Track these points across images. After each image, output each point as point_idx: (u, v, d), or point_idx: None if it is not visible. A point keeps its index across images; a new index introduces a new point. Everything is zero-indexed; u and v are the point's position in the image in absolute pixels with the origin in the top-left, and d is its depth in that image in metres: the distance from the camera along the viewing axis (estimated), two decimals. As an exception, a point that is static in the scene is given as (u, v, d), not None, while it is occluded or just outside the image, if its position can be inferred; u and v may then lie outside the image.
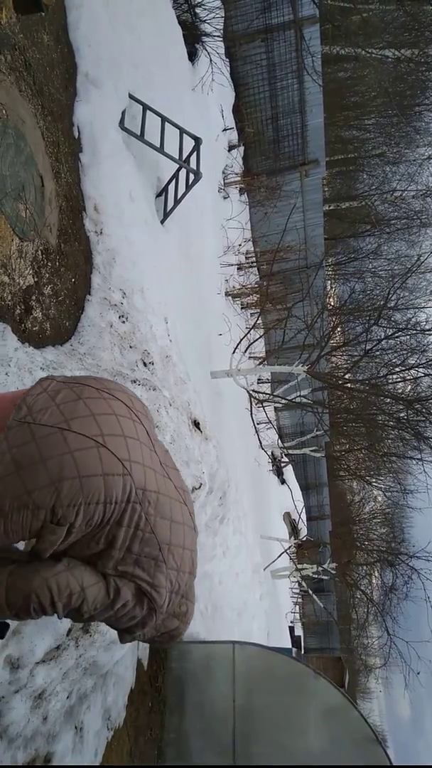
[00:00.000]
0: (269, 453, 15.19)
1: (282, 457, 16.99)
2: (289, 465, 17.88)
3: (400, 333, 10.13)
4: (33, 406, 1.62)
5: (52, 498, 1.47)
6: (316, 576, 15.40)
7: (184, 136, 6.15)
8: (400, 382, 10.40)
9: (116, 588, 1.60)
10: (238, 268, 11.95)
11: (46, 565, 1.57)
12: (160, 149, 5.71)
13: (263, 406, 10.36)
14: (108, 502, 1.54)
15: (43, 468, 1.48)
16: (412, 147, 18.77)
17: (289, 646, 13.36)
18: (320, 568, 14.80)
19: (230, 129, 11.86)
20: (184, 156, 6.02)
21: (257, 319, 10.61)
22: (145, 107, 5.75)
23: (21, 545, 1.89)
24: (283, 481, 16.80)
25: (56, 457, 1.49)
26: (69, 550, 1.61)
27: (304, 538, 17.21)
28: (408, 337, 10.73)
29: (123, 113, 5.53)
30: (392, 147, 18.77)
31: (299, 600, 19.24)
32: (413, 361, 10.23)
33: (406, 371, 9.85)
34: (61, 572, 1.55)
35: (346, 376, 11.31)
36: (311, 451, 15.15)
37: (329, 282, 18.32)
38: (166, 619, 1.76)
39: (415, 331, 10.35)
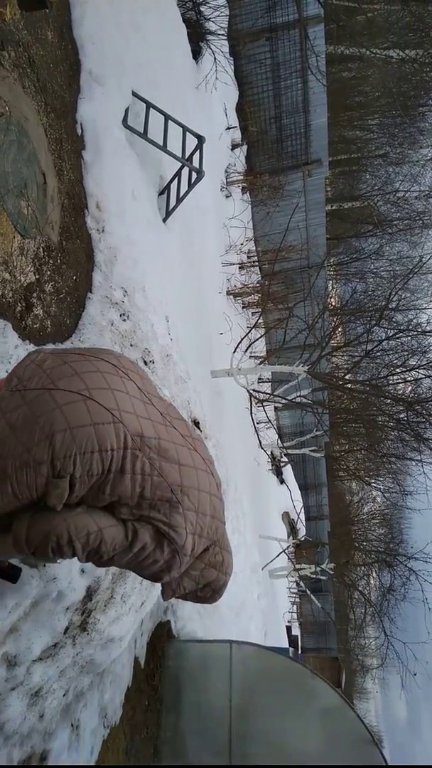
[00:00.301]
0: (269, 452, 15.20)
1: (281, 457, 16.99)
2: (289, 465, 17.88)
3: (401, 334, 10.12)
4: (22, 375, 1.70)
5: (49, 451, 1.54)
6: (314, 576, 15.41)
7: (187, 134, 6.14)
8: (400, 383, 10.38)
9: (134, 530, 1.65)
10: (239, 268, 11.94)
11: (66, 509, 1.64)
12: (163, 147, 5.70)
13: (263, 406, 10.35)
14: (103, 450, 1.59)
15: (36, 426, 1.57)
16: (415, 148, 18.75)
17: (287, 645, 13.38)
18: (318, 569, 14.82)
19: (233, 128, 11.84)
20: (187, 154, 6.01)
21: (258, 319, 10.58)
22: (149, 105, 5.74)
23: None
24: (282, 481, 16.80)
25: (46, 413, 1.57)
26: (82, 503, 1.66)
27: (303, 538, 17.20)
28: (409, 338, 10.73)
29: (126, 111, 5.52)
30: (395, 147, 18.75)
31: (297, 600, 19.25)
32: (414, 363, 10.22)
33: (407, 372, 9.84)
34: (79, 513, 1.62)
35: (347, 377, 11.31)
36: (311, 451, 15.16)
37: (331, 282, 18.32)
38: (204, 569, 1.80)
39: (416, 333, 10.35)
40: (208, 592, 1.87)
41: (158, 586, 4.36)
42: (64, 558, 1.66)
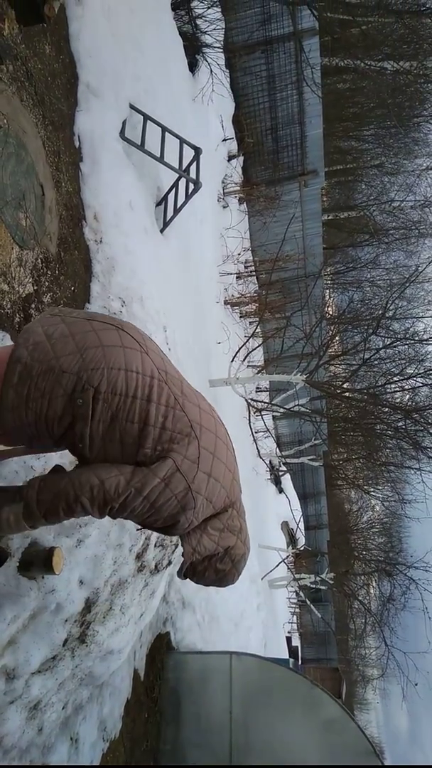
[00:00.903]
0: (267, 462, 15.17)
1: (280, 466, 16.96)
2: (287, 474, 17.85)
3: (398, 342, 10.16)
4: (62, 310, 1.90)
5: (77, 363, 1.66)
6: (313, 586, 15.34)
7: (184, 146, 6.19)
8: (398, 391, 10.40)
9: (146, 473, 1.68)
10: (237, 277, 11.99)
11: (72, 470, 1.74)
12: (160, 159, 5.74)
13: (261, 415, 10.35)
14: (129, 370, 1.70)
15: (71, 340, 1.70)
16: (410, 158, 18.89)
17: (287, 656, 13.30)
18: (318, 578, 14.76)
19: (230, 139, 11.93)
20: (184, 166, 6.05)
21: (256, 328, 10.62)
22: (146, 117, 5.78)
23: None
24: (281, 490, 16.77)
25: (81, 333, 1.73)
26: (109, 446, 1.70)
27: (302, 548, 17.14)
28: (406, 346, 10.76)
29: (123, 123, 5.57)
30: (391, 158, 18.89)
31: (297, 610, 19.16)
32: (411, 371, 10.25)
33: (405, 381, 9.87)
34: (83, 472, 1.70)
35: (345, 386, 11.32)
36: (309, 460, 15.14)
37: (328, 291, 18.37)
38: (223, 532, 1.78)
39: (413, 341, 10.39)
40: (227, 563, 1.81)
41: (157, 595, 4.33)
42: (75, 517, 1.72)
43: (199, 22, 9.73)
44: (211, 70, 9.41)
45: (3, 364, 1.72)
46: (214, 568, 1.81)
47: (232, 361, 8.02)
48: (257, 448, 10.43)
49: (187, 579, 1.87)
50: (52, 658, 2.92)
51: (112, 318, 1.88)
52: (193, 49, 9.61)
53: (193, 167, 6.11)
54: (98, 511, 1.68)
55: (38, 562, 2.47)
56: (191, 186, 6.04)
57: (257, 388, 13.55)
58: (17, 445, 2.03)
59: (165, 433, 1.72)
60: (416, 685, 13.91)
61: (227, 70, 11.43)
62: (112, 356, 1.70)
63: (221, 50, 10.52)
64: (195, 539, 1.76)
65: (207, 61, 9.57)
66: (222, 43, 10.53)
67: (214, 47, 10.00)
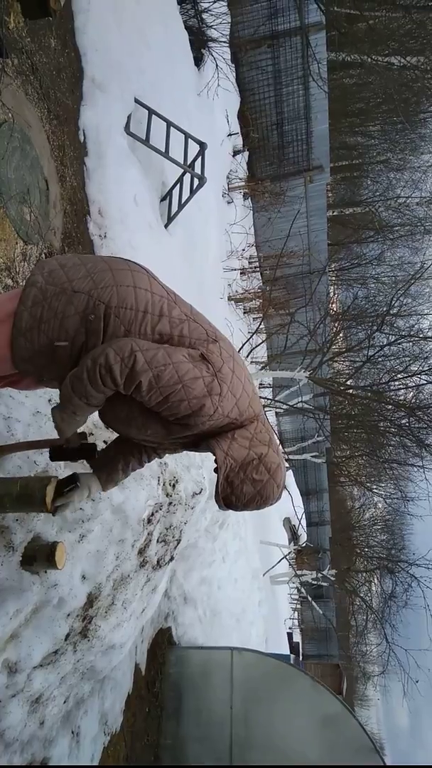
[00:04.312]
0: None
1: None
2: (290, 470, 17.86)
3: (402, 340, 10.13)
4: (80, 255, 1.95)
5: (88, 284, 1.73)
6: (315, 582, 15.36)
7: (189, 140, 6.17)
8: (402, 389, 10.38)
9: (176, 349, 1.69)
10: (241, 273, 11.97)
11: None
12: (165, 154, 5.73)
13: (264, 412, 10.34)
14: (139, 287, 1.75)
15: (82, 267, 1.79)
16: (416, 154, 18.81)
17: (288, 652, 13.33)
18: (319, 575, 14.77)
19: (235, 134, 11.89)
20: (189, 161, 6.04)
21: (260, 324, 10.61)
22: (151, 112, 5.77)
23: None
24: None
25: (93, 262, 1.82)
26: None
27: (304, 544, 17.17)
28: (411, 344, 10.73)
29: (129, 118, 5.55)
30: (397, 154, 18.80)
31: (298, 606, 19.20)
32: (416, 368, 10.22)
33: (409, 378, 9.84)
34: (119, 339, 1.71)
35: (348, 383, 11.30)
36: (312, 456, 15.14)
37: (332, 288, 18.33)
38: (253, 440, 1.73)
39: (417, 338, 10.36)
40: (263, 472, 1.70)
41: (159, 590, 4.34)
42: (106, 390, 1.67)
43: (205, 16, 9.68)
44: (217, 65, 9.37)
45: (15, 299, 1.79)
46: (251, 479, 1.70)
47: (236, 357, 7.99)
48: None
49: (228, 509, 1.77)
50: (54, 653, 2.93)
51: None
52: (199, 43, 9.57)
53: (198, 162, 6.09)
54: (124, 381, 1.63)
55: (41, 557, 2.47)
56: (196, 181, 6.02)
57: (261, 384, 13.54)
58: (28, 378, 2.01)
59: (183, 340, 1.73)
60: (417, 682, 13.94)
61: (233, 65, 11.38)
62: (121, 276, 1.77)
63: (227, 44, 10.46)
64: (226, 444, 1.71)
65: (213, 55, 9.53)
66: (228, 37, 10.47)
67: (220, 41, 9.95)
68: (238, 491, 1.71)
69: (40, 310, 1.74)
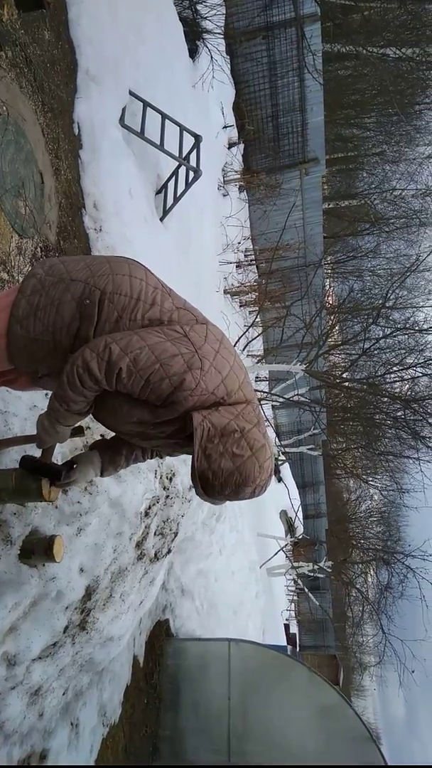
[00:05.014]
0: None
1: (279, 455, 17.01)
2: (286, 463, 17.90)
3: (398, 332, 10.15)
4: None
5: (86, 273, 1.78)
6: (312, 574, 15.44)
7: (184, 133, 6.15)
8: (397, 381, 10.41)
9: (150, 330, 1.72)
10: (237, 266, 11.95)
11: None
12: (160, 146, 5.70)
13: (261, 404, 10.36)
14: (134, 277, 1.79)
15: (82, 261, 1.85)
16: (412, 146, 18.76)
17: (285, 643, 13.41)
18: (316, 566, 14.85)
19: (230, 126, 11.84)
20: (184, 153, 6.02)
21: (256, 317, 10.61)
22: (146, 104, 5.74)
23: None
24: (279, 479, 16.83)
25: (92, 257, 1.90)
26: None
27: (301, 537, 17.24)
28: (406, 336, 10.75)
29: (123, 110, 5.52)
30: (392, 146, 18.76)
31: (295, 598, 19.29)
32: (411, 361, 10.25)
33: (404, 371, 9.87)
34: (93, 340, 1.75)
35: (344, 375, 11.33)
36: (308, 449, 15.19)
37: (328, 280, 18.31)
38: (237, 417, 1.63)
39: (413, 331, 10.38)
40: (245, 448, 1.57)
41: (157, 582, 4.35)
42: (86, 388, 1.66)
43: (199, 7, 9.62)
44: (212, 57, 9.32)
45: (14, 292, 1.83)
46: (230, 453, 1.56)
47: (232, 350, 7.99)
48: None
49: (204, 494, 1.63)
50: (53, 645, 2.94)
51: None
52: (194, 34, 9.51)
53: (193, 155, 6.07)
54: (104, 374, 1.63)
55: (39, 550, 2.48)
56: (191, 174, 6.01)
57: (257, 377, 13.55)
58: (23, 378, 2.03)
59: (173, 325, 1.76)
60: (413, 672, 14.06)
61: (228, 57, 11.32)
62: (117, 267, 1.81)
63: (222, 36, 10.41)
64: (206, 411, 1.63)
65: (207, 47, 9.48)
66: (223, 28, 10.42)
67: (215, 33, 9.90)
68: (216, 466, 1.56)
69: (37, 298, 1.78)
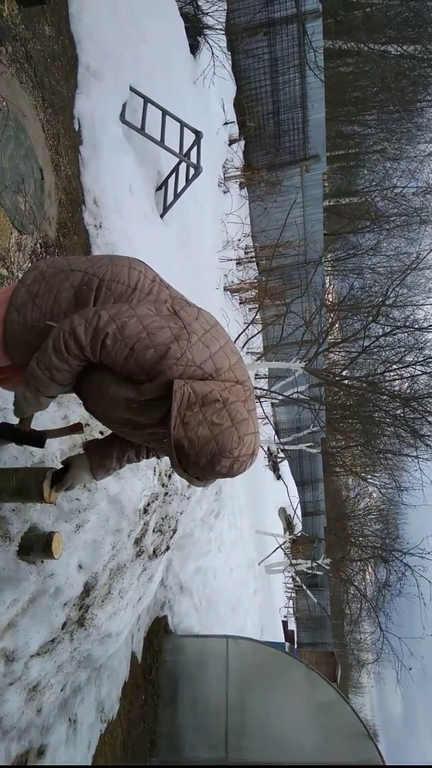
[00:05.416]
0: (265, 448, 15.23)
1: (278, 453, 17.02)
2: (285, 461, 17.91)
3: (398, 330, 10.15)
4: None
5: (86, 264, 1.82)
6: (310, 571, 15.46)
7: (185, 129, 6.13)
8: (397, 379, 10.41)
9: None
10: (237, 263, 11.93)
11: None
12: (161, 143, 5.69)
13: (260, 402, 10.36)
14: (133, 268, 1.83)
15: (84, 257, 1.90)
16: (413, 143, 18.71)
17: (283, 640, 13.44)
18: (314, 564, 14.87)
19: (231, 123, 11.81)
20: (185, 150, 6.00)
21: (255, 315, 10.60)
22: (146, 100, 5.72)
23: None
24: (279, 477, 16.85)
25: (95, 255, 1.95)
26: None
27: (299, 534, 17.26)
28: (406, 334, 10.75)
29: (124, 106, 5.51)
30: (393, 143, 18.70)
31: (293, 595, 19.33)
32: (411, 359, 10.25)
33: (404, 369, 9.87)
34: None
35: (344, 373, 11.33)
36: (307, 447, 15.19)
37: (328, 278, 18.30)
38: (222, 391, 1.56)
39: (413, 329, 10.38)
40: (225, 418, 1.49)
41: (155, 579, 4.35)
42: (71, 360, 1.65)
43: (200, 3, 9.59)
44: (213, 53, 9.29)
45: (12, 287, 1.86)
46: (209, 421, 1.49)
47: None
48: (256, 435, 10.43)
49: (179, 466, 1.55)
50: (51, 641, 2.95)
51: None
52: (195, 30, 9.48)
53: (193, 151, 6.06)
54: (90, 342, 1.61)
55: (38, 547, 2.48)
56: (192, 170, 5.99)
57: (256, 374, 13.55)
58: (17, 375, 1.99)
59: (164, 303, 1.79)
60: (410, 669, 14.12)
61: (229, 53, 11.28)
62: (117, 258, 1.86)
63: (223, 32, 10.37)
64: (190, 380, 1.58)
65: (208, 43, 9.45)
66: (224, 24, 10.37)
67: (216, 29, 9.86)
68: (192, 434, 1.49)
69: (37, 287, 1.81)
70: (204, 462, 1.51)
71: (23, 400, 1.80)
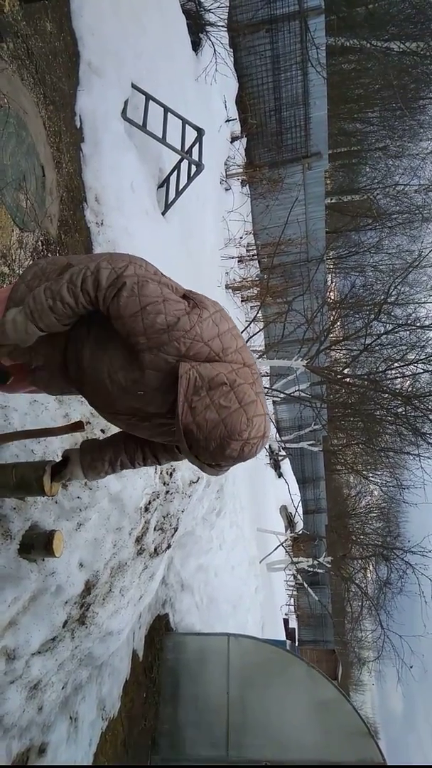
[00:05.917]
0: (267, 446, 15.21)
1: (279, 451, 17.02)
2: (287, 459, 17.92)
3: (399, 328, 10.13)
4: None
5: (85, 259, 1.81)
6: (311, 569, 15.48)
7: (187, 126, 6.11)
8: (398, 377, 10.40)
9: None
10: (238, 261, 11.91)
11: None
12: (163, 140, 5.67)
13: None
14: (133, 262, 1.76)
15: (85, 255, 1.89)
16: (415, 141, 18.65)
17: (284, 638, 13.46)
18: (316, 562, 14.88)
19: (233, 120, 11.77)
20: (187, 147, 5.98)
21: (257, 313, 10.58)
22: (148, 97, 5.70)
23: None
24: (280, 475, 16.85)
25: (97, 254, 1.88)
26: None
27: (300, 532, 17.27)
28: (408, 332, 10.73)
29: (125, 103, 5.49)
30: (395, 140, 18.64)
31: (294, 593, 19.35)
32: (413, 357, 10.24)
33: (405, 367, 9.86)
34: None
35: (345, 371, 11.32)
36: (309, 445, 15.19)
37: (330, 276, 18.27)
38: (230, 374, 1.55)
39: (415, 327, 10.36)
40: (233, 400, 1.49)
41: (156, 577, 4.35)
42: (81, 299, 1.66)
43: (202, -1, 9.56)
44: (215, 49, 9.26)
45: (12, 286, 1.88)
46: (217, 404, 1.48)
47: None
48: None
49: (189, 451, 1.54)
50: (52, 639, 2.95)
51: None
52: (197, 27, 9.45)
53: (195, 149, 6.04)
54: (115, 277, 1.63)
55: (39, 545, 2.48)
56: (193, 168, 5.97)
57: (258, 372, 13.51)
58: (16, 374, 1.97)
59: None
60: (411, 667, 14.13)
61: (231, 50, 11.25)
62: (117, 255, 1.81)
63: (225, 29, 10.33)
64: (196, 363, 1.56)
65: (210, 39, 9.42)
66: (226, 21, 10.33)
67: (218, 26, 9.83)
68: (201, 418, 1.47)
69: (36, 282, 1.83)
70: (214, 446, 1.49)
71: (11, 321, 1.74)
